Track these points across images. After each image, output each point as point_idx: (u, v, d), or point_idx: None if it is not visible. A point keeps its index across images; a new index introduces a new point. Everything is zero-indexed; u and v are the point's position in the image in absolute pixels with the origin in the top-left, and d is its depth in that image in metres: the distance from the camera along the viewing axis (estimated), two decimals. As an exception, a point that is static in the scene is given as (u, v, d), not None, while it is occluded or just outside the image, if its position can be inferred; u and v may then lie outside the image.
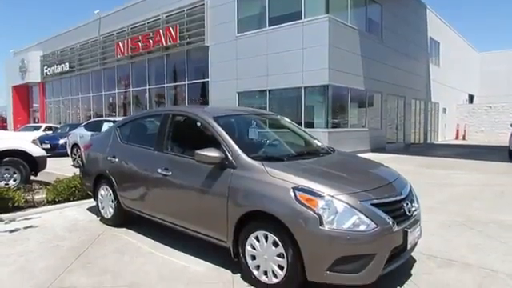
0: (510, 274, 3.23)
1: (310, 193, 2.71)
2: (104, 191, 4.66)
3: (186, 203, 3.53)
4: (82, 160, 5.18)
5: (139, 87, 20.20)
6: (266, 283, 2.89)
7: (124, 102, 21.65)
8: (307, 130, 12.60)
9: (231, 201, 3.07)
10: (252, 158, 3.19)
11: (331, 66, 12.05)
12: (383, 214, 2.72)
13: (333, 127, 12.61)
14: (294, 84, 12.83)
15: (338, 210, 2.63)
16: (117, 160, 4.41)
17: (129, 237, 4.23)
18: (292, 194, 2.74)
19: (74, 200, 5.77)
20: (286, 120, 4.58)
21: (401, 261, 2.87)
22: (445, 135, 24.27)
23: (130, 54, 19.67)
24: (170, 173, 3.67)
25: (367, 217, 2.64)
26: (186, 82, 17.45)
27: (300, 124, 12.88)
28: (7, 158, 6.68)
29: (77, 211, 5.34)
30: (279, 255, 2.79)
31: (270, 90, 13.76)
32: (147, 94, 19.80)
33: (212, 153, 3.21)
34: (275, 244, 2.81)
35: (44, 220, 4.91)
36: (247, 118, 4.32)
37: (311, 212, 2.63)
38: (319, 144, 4.17)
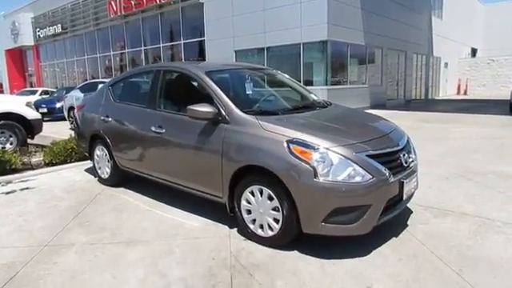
0: (507, 222, 3.25)
1: (304, 145, 2.65)
2: (100, 151, 4.62)
3: (181, 160, 3.49)
4: (76, 121, 5.10)
5: (134, 48, 19.68)
6: (262, 236, 2.91)
7: (120, 63, 21.18)
8: (308, 87, 12.54)
9: (225, 156, 3.03)
10: (246, 112, 3.11)
11: (330, 21, 11.61)
12: (379, 165, 2.68)
13: (332, 84, 12.38)
14: (292, 40, 12.44)
15: (333, 162, 2.58)
16: (110, 119, 4.32)
17: (126, 196, 4.25)
18: (286, 147, 2.68)
19: (71, 162, 5.76)
20: (282, 75, 4.44)
21: (396, 211, 2.87)
22: (446, 90, 23.96)
23: (123, 13, 18.94)
24: (164, 130, 3.60)
25: (362, 168, 2.60)
26: (182, 42, 16.95)
27: (299, 81, 12.66)
28: (2, 122, 6.60)
29: (74, 172, 5.34)
30: (274, 209, 2.79)
31: (267, 48, 13.37)
32: (143, 55, 19.32)
33: (205, 108, 3.12)
34: (270, 198, 2.80)
35: (41, 182, 4.92)
36: (242, 72, 4.17)
37: (305, 164, 2.58)
38: (315, 98, 4.06)
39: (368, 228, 2.67)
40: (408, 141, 3.23)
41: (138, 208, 3.86)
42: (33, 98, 15.00)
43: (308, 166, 2.57)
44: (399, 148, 2.94)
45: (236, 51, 14.44)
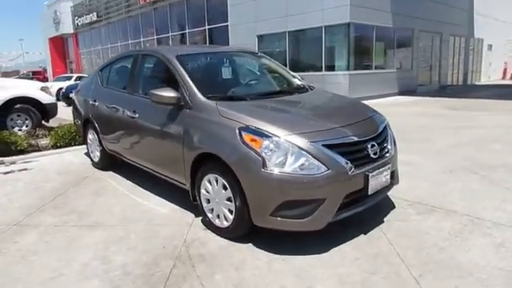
0: (498, 223, 2.90)
1: (256, 133, 2.48)
2: (91, 135, 4.69)
3: (151, 146, 3.44)
4: (73, 105, 5.20)
5: (162, 34, 19.92)
6: (219, 227, 2.80)
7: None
8: (328, 73, 12.09)
9: (186, 143, 2.92)
10: (209, 97, 2.96)
11: (353, 2, 11.00)
12: (337, 156, 2.45)
13: (355, 69, 11.81)
14: (313, 24, 11.97)
15: (284, 152, 2.39)
16: (97, 104, 4.35)
17: (111, 180, 4.28)
18: (238, 135, 2.52)
19: (75, 145, 5.92)
20: (266, 58, 4.21)
21: (360, 207, 2.63)
22: (489, 75, 22.18)
23: (151, 0, 19.18)
24: (137, 115, 3.55)
25: (317, 159, 2.39)
26: (207, 27, 16.90)
27: (320, 68, 12.24)
28: (18, 105, 6.91)
29: (74, 155, 5.49)
30: (228, 199, 2.66)
31: (289, 32, 12.97)
32: (170, 41, 19.53)
33: (167, 93, 3.01)
34: (224, 187, 2.66)
35: (41, 163, 5.10)
36: (220, 56, 3.99)
37: (254, 153, 2.41)
38: (299, 83, 3.82)
39: (321, 224, 2.46)
40: (384, 130, 2.94)
41: (116, 192, 3.88)
42: (67, 84, 15.75)
43: (257, 155, 2.40)
44: (367, 138, 2.67)
45: (258, 36, 14.16)
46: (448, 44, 17.09)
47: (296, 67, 13.15)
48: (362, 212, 2.84)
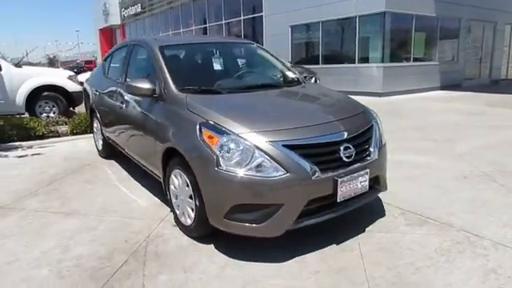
0: (498, 243, 2.51)
1: (214, 129, 2.32)
2: (95, 124, 4.79)
3: (134, 137, 3.42)
4: (84, 94, 5.34)
5: (200, 25, 20.11)
6: (184, 224, 2.70)
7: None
8: (361, 65, 11.48)
9: (157, 136, 2.85)
10: (182, 90, 2.85)
11: (390, -11, 10.28)
12: (299, 158, 2.23)
13: (391, 61, 11.10)
14: (346, 13, 11.38)
15: (240, 151, 2.22)
16: (98, 93, 4.42)
17: (109, 168, 4.35)
18: (198, 130, 2.39)
19: (90, 132, 6.10)
20: (262, 49, 3.98)
21: (327, 216, 2.39)
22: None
23: (191, -9, 19.43)
24: (124, 106, 3.53)
25: (274, 160, 2.19)
26: (242, 18, 16.75)
27: (354, 59, 11.66)
28: (46, 93, 7.26)
29: (87, 142, 5.65)
30: (190, 196, 2.54)
31: (322, 22, 12.46)
32: (208, 32, 19.67)
33: (142, 84, 2.94)
34: (187, 184, 2.55)
35: (54, 149, 5.32)
36: (209, 47, 3.84)
37: (209, 151, 2.27)
38: (292, 76, 3.58)
39: (279, 230, 2.27)
40: (365, 131, 2.64)
41: (107, 181, 3.92)
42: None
43: (211, 153, 2.26)
44: (340, 139, 2.41)
45: (292, 26, 13.77)
46: (503, 34, 15.52)
47: (328, 59, 12.67)
48: (343, 219, 2.66)
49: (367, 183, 2.52)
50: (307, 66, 11.98)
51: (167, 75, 2.96)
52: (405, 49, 11.68)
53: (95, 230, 2.83)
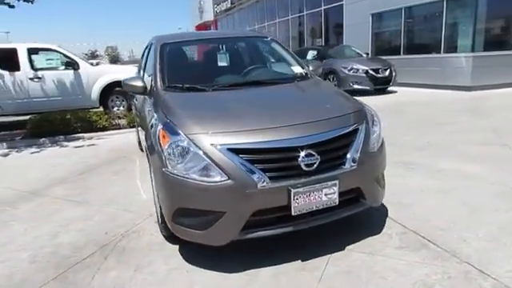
0: (507, 286, 1.98)
1: (169, 129, 2.28)
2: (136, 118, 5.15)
3: (140, 132, 3.58)
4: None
5: (282, 18, 20.04)
6: (157, 222, 2.73)
7: (274, 33, 22.04)
8: (448, 55, 10.09)
9: (143, 133, 2.93)
10: (167, 87, 2.89)
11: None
12: (245, 164, 2.06)
13: (484, 50, 9.51)
14: (432, -4, 10.09)
15: (184, 153, 2.14)
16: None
17: (139, 161, 4.64)
18: (159, 130, 2.38)
19: (145, 126, 6.62)
20: (275, 43, 3.74)
21: (280, 230, 2.17)
22: None
23: (274, -16, 19.47)
24: (137, 101, 3.73)
25: (217, 165, 2.05)
26: (323, 8, 16.15)
27: (439, 49, 10.32)
28: (117, 88, 8.07)
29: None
30: (157, 195, 2.56)
31: (405, 8, 11.28)
32: (290, 24, 19.50)
33: (134, 82, 3.06)
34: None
35: (108, 141, 5.90)
36: (216, 43, 3.73)
37: (160, 151, 2.25)
38: (295, 72, 3.32)
39: (223, 239, 2.14)
40: (343, 137, 2.30)
41: (130, 174, 4.19)
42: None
43: (161, 153, 2.23)
44: (300, 145, 2.13)
45: (372, 14, 12.78)
46: None
47: (411, 49, 11.46)
48: (327, 232, 2.51)
49: (336, 196, 2.19)
50: (385, 57, 11.04)
51: (158, 73, 3.02)
52: (503, 36, 9.87)
53: (90, 220, 3.05)
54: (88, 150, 5.41)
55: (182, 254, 2.44)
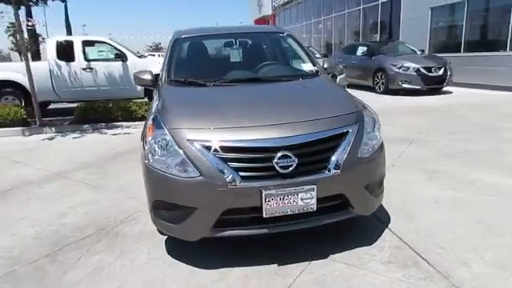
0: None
1: (156, 123, 2.35)
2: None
3: None
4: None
5: (339, 12, 19.43)
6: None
7: (330, 28, 21.47)
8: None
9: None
10: (170, 81, 2.96)
11: None
12: (218, 162, 2.04)
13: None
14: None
15: (163, 146, 2.18)
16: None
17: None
18: (149, 122, 2.46)
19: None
20: (290, 39, 3.61)
21: (252, 231, 2.13)
22: None
23: (331, -24, 18.91)
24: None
25: (191, 160, 2.06)
26: (380, 2, 15.35)
27: (505, 46, 9.30)
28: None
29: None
30: None
31: (468, 1, 10.31)
32: (345, 19, 18.85)
33: (143, 75, 3.18)
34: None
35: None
36: (230, 37, 3.69)
37: (145, 142, 2.33)
38: (304, 69, 3.20)
39: (194, 235, 2.16)
40: (327, 140, 2.17)
41: (150, 163, 4.37)
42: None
43: (145, 145, 2.31)
44: (276, 145, 2.05)
45: (432, 8, 11.87)
46: None
47: (473, 46, 10.47)
48: (316, 236, 2.45)
49: (313, 202, 2.09)
50: (443, 55, 10.23)
51: (165, 67, 3.13)
52: None
53: (98, 203, 3.24)
54: (122, 138, 5.74)
55: (166, 245, 2.49)
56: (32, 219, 2.98)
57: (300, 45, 3.53)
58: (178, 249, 2.42)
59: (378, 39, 15.58)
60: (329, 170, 2.12)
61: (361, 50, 11.04)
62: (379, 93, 9.99)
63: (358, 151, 2.23)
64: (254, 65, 3.29)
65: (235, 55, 3.43)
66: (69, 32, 18.00)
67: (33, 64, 6.92)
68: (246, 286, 2.06)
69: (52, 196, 3.46)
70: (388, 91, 9.69)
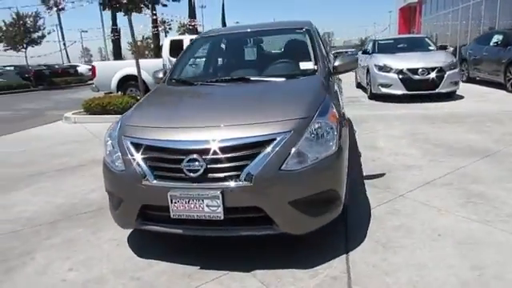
0: None
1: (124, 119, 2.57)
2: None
3: None
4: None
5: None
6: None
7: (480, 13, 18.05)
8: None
9: None
10: (170, 80, 3.20)
11: None
12: (138, 159, 2.16)
13: None
14: None
15: (110, 142, 2.41)
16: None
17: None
18: (121, 118, 2.73)
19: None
20: (307, 35, 3.33)
21: (162, 229, 2.20)
22: None
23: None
24: None
25: (122, 155, 2.25)
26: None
27: None
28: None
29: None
30: None
31: None
32: (498, 2, 15.52)
33: (157, 74, 3.48)
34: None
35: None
36: (245, 36, 3.57)
37: (107, 138, 2.61)
38: (302, 68, 3.01)
39: (126, 224, 2.38)
40: (247, 146, 2.01)
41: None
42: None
43: (106, 139, 2.59)
44: (186, 147, 2.04)
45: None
46: None
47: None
48: (271, 245, 2.32)
49: (220, 210, 1.97)
50: None
51: (172, 66, 3.35)
52: None
53: (94, 192, 3.53)
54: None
55: (138, 234, 2.59)
56: (66, 192, 3.61)
57: (313, 41, 3.24)
58: (139, 236, 2.60)
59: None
60: (239, 180, 1.97)
61: (496, 38, 8.98)
62: (511, 91, 7.98)
63: (284, 162, 1.98)
64: (259, 65, 3.27)
65: (250, 54, 3.43)
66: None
67: (151, 61, 8.21)
68: (156, 280, 2.12)
69: (93, 177, 3.92)
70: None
